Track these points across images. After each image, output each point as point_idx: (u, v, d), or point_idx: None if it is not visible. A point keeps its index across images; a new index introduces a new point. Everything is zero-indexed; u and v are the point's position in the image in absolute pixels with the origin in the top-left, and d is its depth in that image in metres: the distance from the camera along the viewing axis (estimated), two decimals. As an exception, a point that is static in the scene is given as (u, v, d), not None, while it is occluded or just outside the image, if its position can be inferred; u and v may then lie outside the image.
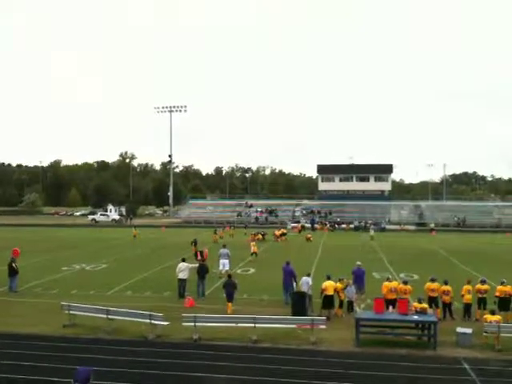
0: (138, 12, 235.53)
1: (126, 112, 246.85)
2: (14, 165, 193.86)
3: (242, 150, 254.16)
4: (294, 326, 15.87)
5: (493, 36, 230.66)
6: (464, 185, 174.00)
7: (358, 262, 21.43)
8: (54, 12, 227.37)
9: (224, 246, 28.18)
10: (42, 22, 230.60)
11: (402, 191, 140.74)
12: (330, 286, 18.49)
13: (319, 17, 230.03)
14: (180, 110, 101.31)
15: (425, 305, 16.32)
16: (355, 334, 15.18)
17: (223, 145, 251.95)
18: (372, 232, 56.22)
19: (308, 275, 19.36)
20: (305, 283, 18.82)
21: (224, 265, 26.61)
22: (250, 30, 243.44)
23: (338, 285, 18.66)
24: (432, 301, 17.71)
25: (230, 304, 18.72)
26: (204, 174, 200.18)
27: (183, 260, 22.37)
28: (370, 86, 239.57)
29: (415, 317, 15.55)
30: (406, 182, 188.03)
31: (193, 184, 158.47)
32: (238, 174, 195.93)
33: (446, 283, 18.17)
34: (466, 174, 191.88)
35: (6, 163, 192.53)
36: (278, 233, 51.65)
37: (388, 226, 70.84)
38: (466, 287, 18.09)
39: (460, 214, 77.32)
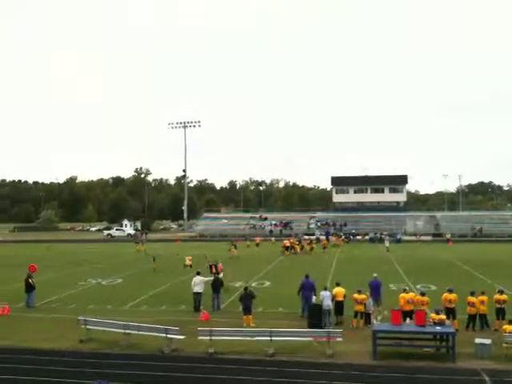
0: (141, 19, 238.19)
1: (141, 128, 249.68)
2: (30, 182, 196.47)
3: (255, 163, 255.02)
4: (310, 339, 15.76)
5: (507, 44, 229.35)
6: (480, 195, 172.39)
7: (375, 274, 21.27)
8: (54, 12, 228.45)
9: (198, 273, 23.51)
10: (42, 22, 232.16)
11: (418, 202, 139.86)
12: (339, 292, 19.19)
13: (337, 32, 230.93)
14: (194, 126, 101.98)
15: (443, 316, 16.12)
16: (372, 346, 15.02)
17: (237, 158, 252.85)
18: (387, 243, 55.86)
19: (325, 289, 19.20)
20: (327, 297, 18.55)
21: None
22: (262, 47, 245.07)
23: (356, 295, 18.57)
24: (450, 312, 17.50)
25: (250, 317, 18.63)
26: (218, 187, 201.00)
27: (198, 273, 22.37)
28: (384, 97, 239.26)
29: (438, 328, 15.34)
30: (422, 192, 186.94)
31: (207, 198, 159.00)
32: (252, 188, 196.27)
33: (472, 294, 17.95)
34: (481, 183, 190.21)
35: (23, 180, 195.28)
36: (286, 244, 51.91)
37: (404, 237, 70.31)
38: (480, 298, 17.86)
39: (476, 224, 76.53)
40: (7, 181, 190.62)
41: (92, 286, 29.44)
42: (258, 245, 60.40)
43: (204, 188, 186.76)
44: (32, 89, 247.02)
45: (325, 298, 18.54)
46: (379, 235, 69.03)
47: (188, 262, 38.21)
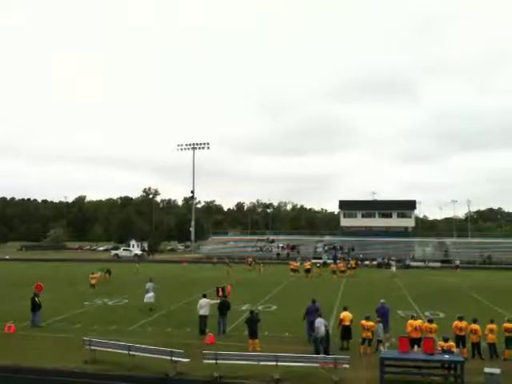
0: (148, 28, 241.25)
1: (150, 149, 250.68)
2: (39, 200, 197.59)
3: (263, 186, 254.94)
4: (316, 364, 15.58)
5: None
6: (489, 221, 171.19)
7: (382, 300, 21.09)
8: (53, 12, 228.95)
9: (150, 280, 29.80)
10: (42, 22, 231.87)
11: (426, 228, 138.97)
12: (347, 316, 19.12)
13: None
14: (203, 147, 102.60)
15: (451, 343, 15.91)
16: (380, 373, 14.81)
17: (244, 180, 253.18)
18: (394, 269, 55.43)
19: (319, 316, 18.63)
20: (320, 325, 18.13)
21: (149, 298, 27.90)
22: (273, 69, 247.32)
23: (364, 322, 18.39)
24: (460, 340, 17.27)
25: (257, 341, 18.42)
26: (226, 209, 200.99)
27: (204, 296, 22.25)
28: (394, 122, 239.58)
29: (446, 356, 15.12)
30: (430, 218, 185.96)
31: (214, 219, 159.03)
32: (260, 210, 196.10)
33: (474, 321, 17.75)
34: (491, 210, 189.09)
35: (32, 199, 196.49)
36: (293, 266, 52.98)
37: (412, 263, 69.81)
38: (489, 326, 17.65)
39: (486, 251, 75.89)
40: (16, 199, 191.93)
41: (98, 306, 29.35)
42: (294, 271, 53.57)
43: (211, 209, 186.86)
44: (36, 97, 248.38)
45: (319, 326, 18.10)
46: (387, 260, 68.56)
47: (92, 282, 37.91)
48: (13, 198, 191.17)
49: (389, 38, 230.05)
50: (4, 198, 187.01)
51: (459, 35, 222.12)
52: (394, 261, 63.50)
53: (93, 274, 38.87)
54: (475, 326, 17.55)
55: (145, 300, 27.99)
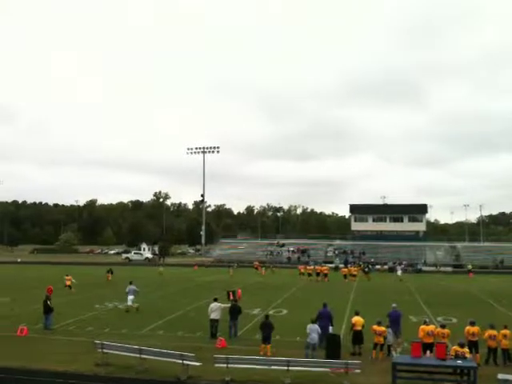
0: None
1: (161, 153, 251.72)
2: (51, 204, 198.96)
3: (273, 190, 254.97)
4: (327, 369, 15.51)
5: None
6: (501, 225, 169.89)
7: (394, 305, 20.95)
8: (53, 12, 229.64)
9: (131, 283, 29.94)
10: (42, 22, 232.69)
11: (438, 232, 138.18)
12: (358, 321, 18.93)
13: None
14: (213, 151, 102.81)
15: (466, 349, 15.76)
16: (391, 378, 14.70)
17: (254, 184, 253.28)
18: (399, 273, 55.25)
19: (312, 322, 18.46)
20: (313, 331, 17.95)
21: (130, 300, 28.69)
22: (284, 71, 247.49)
23: (375, 327, 18.29)
24: (472, 345, 17.11)
25: (268, 346, 18.33)
26: (236, 213, 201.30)
27: (215, 300, 22.24)
28: (383, 129, 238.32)
29: (459, 361, 14.97)
30: (442, 222, 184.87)
31: (224, 223, 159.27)
32: (270, 213, 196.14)
33: (492, 327, 17.57)
34: (503, 214, 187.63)
35: (44, 202, 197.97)
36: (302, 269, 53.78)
37: (424, 268, 69.41)
38: (503, 332, 17.47)
39: (498, 255, 75.27)
40: (28, 202, 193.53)
41: (109, 309, 29.44)
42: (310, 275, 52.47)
43: (221, 213, 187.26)
44: (41, 97, 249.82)
45: (311, 332, 17.98)
46: (405, 266, 68.32)
47: (67, 283, 38.64)
48: (25, 202, 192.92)
49: (401, 40, 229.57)
50: (16, 202, 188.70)
51: (470, 36, 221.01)
52: (400, 265, 63.41)
53: (67, 275, 39.74)
54: (493, 332, 17.35)
55: (128, 303, 28.72)
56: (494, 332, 17.37)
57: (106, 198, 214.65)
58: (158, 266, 61.28)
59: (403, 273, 57.56)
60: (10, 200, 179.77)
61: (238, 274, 55.77)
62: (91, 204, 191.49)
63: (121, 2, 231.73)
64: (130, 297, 28.88)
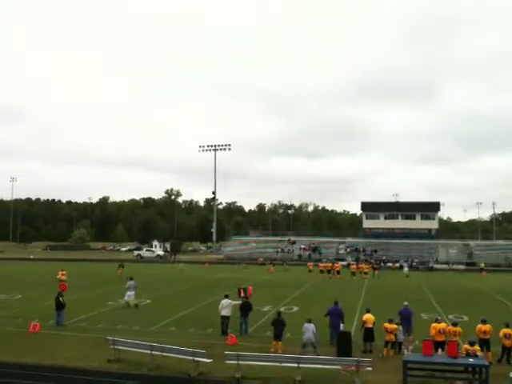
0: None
1: (172, 150, 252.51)
2: (63, 201, 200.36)
3: (284, 187, 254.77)
4: (338, 367, 15.48)
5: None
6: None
7: (405, 303, 20.85)
8: (54, 12, 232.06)
9: (131, 279, 29.92)
10: (42, 21, 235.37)
11: (450, 230, 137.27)
12: (369, 318, 18.87)
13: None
14: (224, 149, 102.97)
15: (477, 347, 15.65)
16: (403, 377, 14.64)
17: (266, 182, 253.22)
18: (406, 270, 55.19)
19: (309, 321, 18.32)
20: (308, 330, 17.85)
21: (129, 296, 28.91)
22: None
23: (386, 324, 18.22)
24: (483, 343, 16.98)
25: (280, 343, 18.33)
26: (247, 210, 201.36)
27: (226, 296, 22.27)
28: (394, 127, 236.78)
29: (470, 360, 14.86)
30: (454, 220, 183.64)
31: (236, 220, 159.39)
32: (281, 211, 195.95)
33: (507, 326, 17.40)
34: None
35: (57, 199, 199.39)
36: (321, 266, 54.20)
37: (436, 266, 69.03)
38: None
39: (511, 253, 74.62)
40: (41, 200, 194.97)
41: (121, 305, 29.60)
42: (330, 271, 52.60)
43: (233, 210, 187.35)
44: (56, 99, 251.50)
45: (306, 331, 17.91)
46: (410, 263, 67.98)
47: (61, 277, 38.77)
48: (38, 199, 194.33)
49: (409, 39, 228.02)
50: (29, 199, 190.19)
51: (482, 36, 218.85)
52: (405, 262, 63.54)
53: (62, 270, 40.19)
54: (508, 331, 17.17)
55: (125, 298, 28.98)
56: (509, 331, 17.18)
57: (118, 196, 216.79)
58: (174, 263, 62.30)
59: (409, 270, 57.71)
60: (23, 197, 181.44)
61: (249, 272, 55.90)
62: (103, 201, 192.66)
63: (121, 2, 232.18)
64: (130, 292, 29.13)
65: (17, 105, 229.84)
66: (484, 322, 17.58)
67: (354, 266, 54.66)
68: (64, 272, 39.84)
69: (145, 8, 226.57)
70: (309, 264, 57.28)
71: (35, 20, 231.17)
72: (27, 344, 19.27)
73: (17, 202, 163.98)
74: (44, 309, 26.44)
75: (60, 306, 23.30)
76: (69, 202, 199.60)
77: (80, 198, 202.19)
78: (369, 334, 18.72)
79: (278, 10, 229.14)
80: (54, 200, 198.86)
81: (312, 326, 18.07)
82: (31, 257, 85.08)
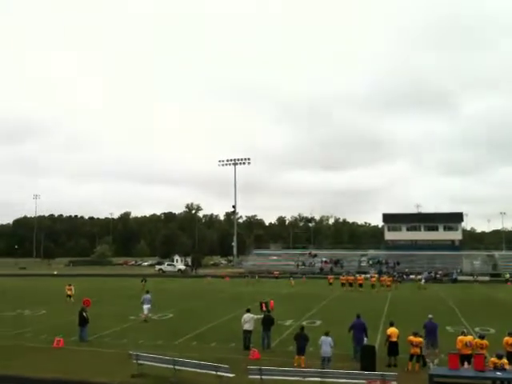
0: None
1: (192, 165, 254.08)
2: (86, 217, 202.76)
3: (304, 200, 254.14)
4: (363, 381, 15.27)
5: None
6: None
7: (430, 315, 20.53)
8: (54, 12, 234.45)
9: (147, 292, 30.48)
10: (42, 21, 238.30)
11: (474, 241, 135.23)
12: (394, 332, 18.59)
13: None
14: (244, 163, 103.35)
15: (505, 360, 15.32)
16: (429, 391, 14.41)
17: (285, 195, 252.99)
18: (423, 282, 54.61)
19: (326, 334, 18.21)
20: (326, 343, 17.71)
21: (146, 310, 29.08)
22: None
23: (411, 337, 17.95)
24: (511, 356, 16.60)
25: (303, 358, 18.16)
26: (267, 223, 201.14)
27: (248, 310, 22.21)
28: (414, 137, 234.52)
29: (498, 373, 14.55)
30: (478, 230, 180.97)
31: (256, 234, 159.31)
32: (301, 224, 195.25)
33: None
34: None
35: (79, 216, 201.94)
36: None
37: (460, 277, 67.97)
38: None
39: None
40: (64, 216, 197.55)
41: (143, 320, 29.68)
42: (361, 285, 51.61)
43: (253, 224, 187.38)
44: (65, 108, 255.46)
45: (322, 344, 17.75)
46: (434, 275, 67.11)
47: (68, 293, 38.97)
48: (61, 215, 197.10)
49: (432, 48, 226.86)
50: (52, 216, 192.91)
51: (507, 45, 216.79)
52: (420, 274, 63.02)
53: (69, 285, 40.04)
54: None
55: (145, 312, 29.11)
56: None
57: (139, 211, 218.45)
58: (205, 278, 64.09)
59: (433, 282, 57.14)
60: (46, 214, 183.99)
61: (270, 285, 55.67)
62: (125, 216, 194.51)
63: (122, 3, 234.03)
64: (146, 306, 29.24)
65: (39, 120, 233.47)
66: (511, 334, 17.21)
67: (374, 279, 54.06)
68: (71, 287, 39.82)
69: (155, 9, 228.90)
70: (329, 277, 56.85)
71: (35, 20, 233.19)
72: (51, 360, 19.38)
73: (40, 218, 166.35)
74: (68, 324, 26.66)
75: (83, 322, 23.43)
76: (91, 218, 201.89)
77: (102, 214, 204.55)
78: (393, 348, 18.45)
79: (299, 18, 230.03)
80: (76, 216, 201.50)
81: (329, 339, 17.92)
82: (55, 272, 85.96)
